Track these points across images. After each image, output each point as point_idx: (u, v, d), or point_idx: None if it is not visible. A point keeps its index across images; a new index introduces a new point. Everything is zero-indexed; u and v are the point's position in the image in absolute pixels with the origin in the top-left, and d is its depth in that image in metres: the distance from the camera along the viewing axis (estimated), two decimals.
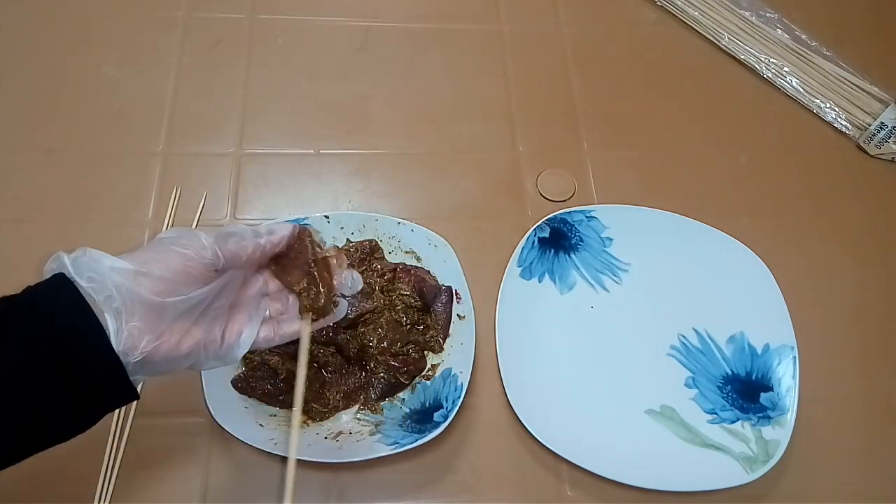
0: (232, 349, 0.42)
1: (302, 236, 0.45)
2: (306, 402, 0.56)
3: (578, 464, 0.54)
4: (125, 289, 0.36)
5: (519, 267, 0.63)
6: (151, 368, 0.38)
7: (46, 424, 0.36)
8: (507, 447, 0.57)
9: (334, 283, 0.46)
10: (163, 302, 0.37)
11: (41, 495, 0.52)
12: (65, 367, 0.35)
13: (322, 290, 0.45)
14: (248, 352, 0.43)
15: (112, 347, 0.35)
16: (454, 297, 0.61)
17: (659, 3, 0.83)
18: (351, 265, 0.58)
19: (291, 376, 0.57)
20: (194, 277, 0.39)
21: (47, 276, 0.37)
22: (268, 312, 0.45)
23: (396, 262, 0.63)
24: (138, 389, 0.39)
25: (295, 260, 0.45)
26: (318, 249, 0.46)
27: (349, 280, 0.47)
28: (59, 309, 0.35)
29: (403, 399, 0.58)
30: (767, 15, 0.82)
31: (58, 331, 0.35)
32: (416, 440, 0.52)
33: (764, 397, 0.59)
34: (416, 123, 0.73)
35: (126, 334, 0.36)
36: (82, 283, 0.35)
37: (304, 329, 0.46)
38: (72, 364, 0.35)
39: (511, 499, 0.56)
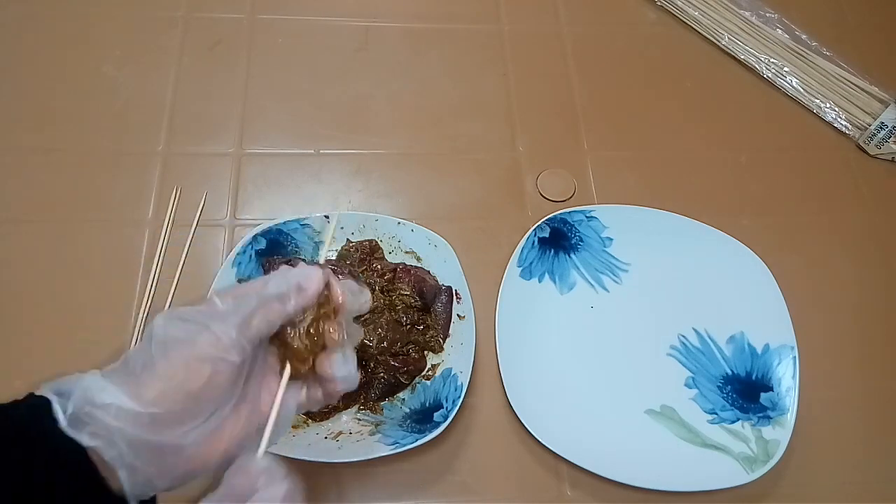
0: (277, 434, 0.35)
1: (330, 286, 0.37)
2: None
3: (578, 464, 0.54)
4: (137, 441, 0.30)
5: (519, 267, 0.63)
6: (170, 490, 0.33)
7: None
8: (507, 447, 0.57)
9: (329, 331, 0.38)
10: (182, 444, 0.31)
11: None
12: None
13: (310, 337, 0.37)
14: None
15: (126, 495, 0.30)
16: (454, 297, 0.61)
17: (659, 3, 0.83)
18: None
19: None
20: (220, 386, 0.32)
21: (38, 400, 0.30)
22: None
23: (396, 262, 0.63)
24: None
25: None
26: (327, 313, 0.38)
27: (337, 364, 0.38)
28: (57, 463, 0.29)
29: (403, 399, 0.58)
30: (767, 15, 0.82)
31: (57, 483, 0.29)
32: (416, 440, 0.52)
33: (764, 397, 0.59)
34: (416, 123, 0.73)
35: (143, 480, 0.31)
36: (85, 443, 0.29)
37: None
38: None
39: (511, 499, 0.56)
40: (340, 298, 0.38)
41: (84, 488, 0.29)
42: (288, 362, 0.37)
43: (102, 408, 0.29)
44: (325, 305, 0.37)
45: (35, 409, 0.30)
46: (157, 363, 0.31)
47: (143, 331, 0.59)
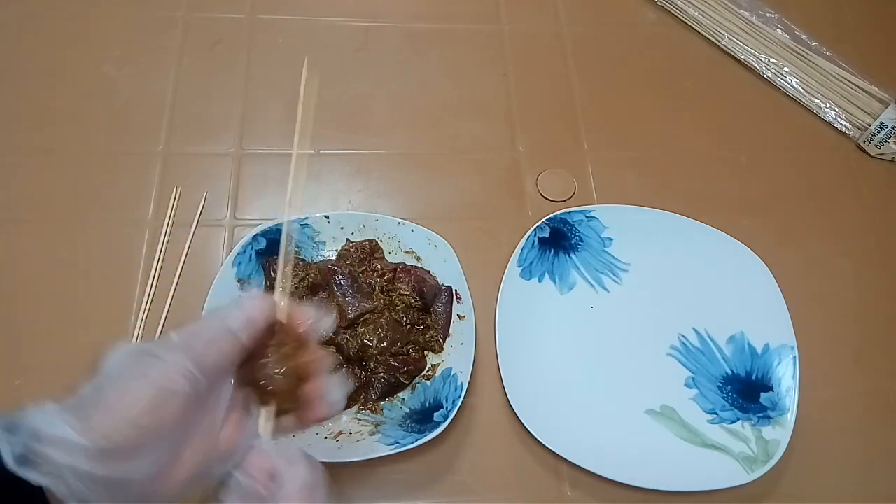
0: (209, 479, 0.35)
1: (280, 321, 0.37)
2: None
3: (578, 464, 0.54)
4: (87, 477, 0.29)
5: (519, 267, 0.63)
6: None
7: None
8: (507, 447, 0.57)
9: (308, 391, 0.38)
10: (132, 480, 0.30)
11: None
12: None
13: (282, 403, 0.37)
14: None
15: None
16: (454, 297, 0.61)
17: (659, 3, 0.83)
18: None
19: None
20: (173, 416, 0.31)
21: None
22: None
23: (396, 262, 0.63)
24: None
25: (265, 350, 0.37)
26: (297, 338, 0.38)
27: (331, 388, 0.38)
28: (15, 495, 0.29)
29: (403, 399, 0.58)
30: (767, 15, 0.82)
31: None
32: (416, 440, 0.52)
33: (764, 397, 0.59)
34: (416, 123, 0.73)
35: None
36: (34, 480, 0.28)
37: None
38: None
39: (511, 499, 0.56)
40: (302, 328, 0.38)
41: None
42: (271, 402, 0.37)
43: (51, 443, 0.29)
44: (287, 340, 0.37)
45: None
46: (107, 396, 0.31)
47: (142, 331, 0.59)
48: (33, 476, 0.28)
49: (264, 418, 0.37)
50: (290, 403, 0.38)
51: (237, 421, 0.36)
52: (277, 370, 0.37)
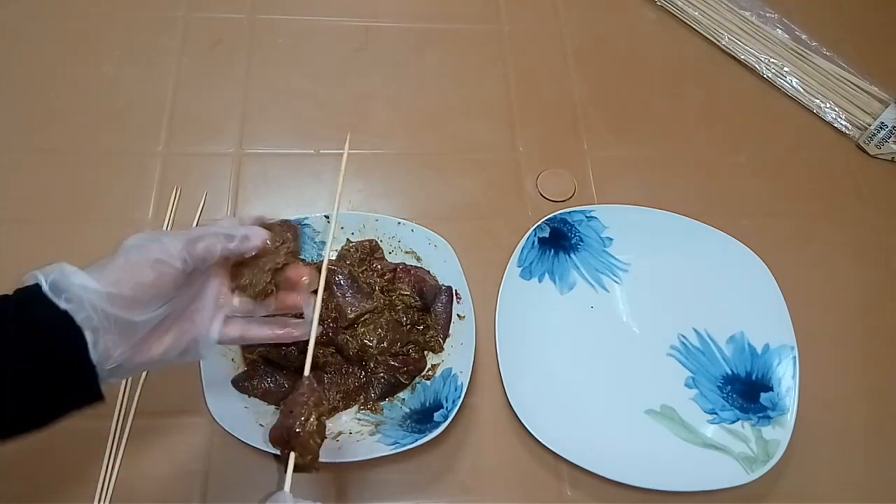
0: (198, 349, 0.44)
1: (275, 244, 0.45)
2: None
3: (578, 464, 0.54)
4: (100, 310, 0.38)
5: (519, 267, 0.63)
6: (124, 372, 0.41)
7: (18, 417, 0.38)
8: (507, 447, 0.57)
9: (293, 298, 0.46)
10: (134, 321, 0.39)
11: (41, 495, 0.52)
12: (45, 371, 0.37)
13: (262, 279, 0.45)
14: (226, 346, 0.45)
15: (90, 358, 0.38)
16: (454, 297, 0.61)
17: (659, 3, 0.83)
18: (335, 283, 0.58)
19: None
20: (165, 284, 0.40)
21: (27, 282, 0.39)
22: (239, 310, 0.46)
23: (396, 262, 0.63)
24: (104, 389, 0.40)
25: (257, 262, 0.45)
26: (288, 260, 0.46)
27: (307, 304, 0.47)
28: (44, 320, 0.37)
29: (403, 399, 0.58)
30: (767, 15, 0.82)
31: (43, 341, 0.37)
32: (416, 440, 0.52)
33: (764, 397, 0.59)
34: (416, 123, 0.73)
35: (102, 347, 0.38)
36: (62, 306, 0.37)
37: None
38: (51, 369, 0.37)
39: (511, 499, 0.56)
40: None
41: (59, 341, 0.37)
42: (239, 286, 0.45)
43: (74, 282, 0.38)
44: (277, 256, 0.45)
45: (27, 286, 0.39)
46: (117, 261, 0.40)
47: None
48: (61, 302, 0.37)
49: (289, 472, 0.42)
50: (256, 290, 0.45)
51: (221, 316, 0.45)
52: (257, 271, 0.45)
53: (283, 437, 0.43)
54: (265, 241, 0.45)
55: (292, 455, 0.42)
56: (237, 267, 0.46)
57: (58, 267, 0.39)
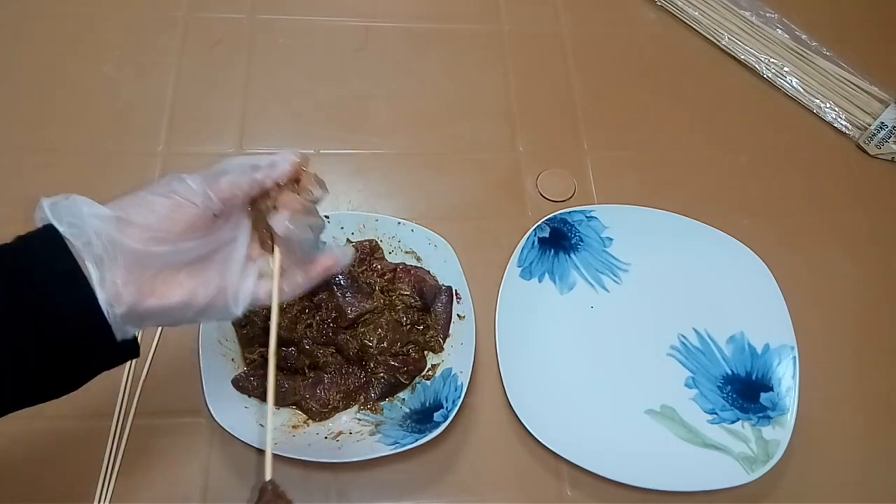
0: (229, 306, 0.39)
1: (302, 171, 0.41)
2: (305, 400, 0.56)
3: (578, 464, 0.54)
4: (105, 235, 0.34)
5: (519, 267, 0.63)
6: (140, 321, 0.36)
7: (30, 379, 0.34)
8: (507, 447, 0.57)
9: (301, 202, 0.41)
10: (146, 251, 0.35)
11: (41, 495, 0.52)
12: (43, 315, 0.33)
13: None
14: (249, 310, 0.40)
15: (94, 295, 0.33)
16: (454, 297, 0.61)
17: (659, 3, 0.83)
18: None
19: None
20: (186, 225, 0.36)
21: (38, 224, 0.36)
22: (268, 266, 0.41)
23: (396, 262, 0.63)
24: (137, 338, 0.37)
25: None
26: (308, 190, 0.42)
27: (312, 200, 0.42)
28: (39, 256, 0.34)
29: (403, 399, 0.58)
30: (767, 15, 0.82)
31: (36, 279, 0.33)
32: (416, 440, 0.52)
33: (764, 397, 0.59)
34: (416, 123, 0.73)
35: (109, 283, 0.34)
36: (61, 229, 0.34)
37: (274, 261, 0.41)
38: (50, 312, 0.33)
39: (511, 499, 0.56)
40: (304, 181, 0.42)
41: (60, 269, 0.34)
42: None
43: (79, 205, 0.35)
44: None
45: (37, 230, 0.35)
46: (137, 191, 0.37)
47: (142, 331, 0.58)
48: (63, 227, 0.34)
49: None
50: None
51: (251, 276, 0.40)
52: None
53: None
54: (295, 163, 0.40)
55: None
56: (256, 212, 0.41)
57: (68, 196, 0.36)
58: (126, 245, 0.34)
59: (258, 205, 0.41)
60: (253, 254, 0.41)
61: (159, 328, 0.59)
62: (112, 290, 0.34)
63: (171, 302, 0.36)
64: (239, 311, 0.39)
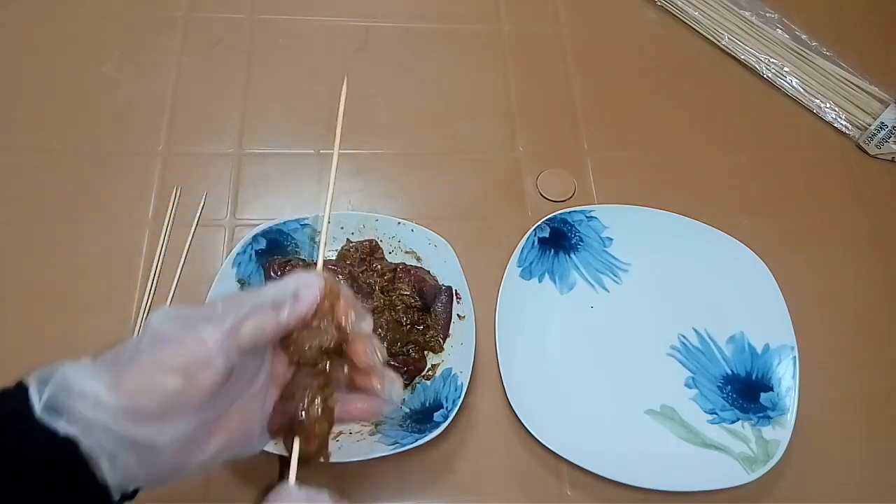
0: (247, 450, 0.36)
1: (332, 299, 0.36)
2: None
3: (578, 464, 0.54)
4: (114, 433, 0.29)
5: (519, 267, 0.63)
6: (155, 486, 0.32)
7: None
8: (507, 447, 0.57)
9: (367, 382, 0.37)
10: (162, 443, 0.30)
11: None
12: None
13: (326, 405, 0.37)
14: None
15: (104, 488, 0.30)
16: (454, 297, 0.61)
17: (659, 3, 0.83)
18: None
19: None
20: (201, 389, 0.31)
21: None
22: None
23: (396, 262, 0.63)
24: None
25: (310, 333, 0.36)
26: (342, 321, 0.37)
27: (388, 385, 0.37)
28: (39, 450, 0.29)
29: (403, 399, 0.58)
30: (767, 15, 0.82)
31: (42, 477, 0.29)
32: (417, 440, 0.52)
33: (764, 397, 0.59)
34: (416, 123, 0.73)
35: (122, 471, 0.30)
36: (62, 430, 0.29)
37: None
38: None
39: (511, 499, 0.56)
40: (345, 321, 0.36)
41: (60, 476, 0.29)
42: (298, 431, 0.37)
43: (80, 396, 0.29)
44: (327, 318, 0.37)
45: (13, 395, 0.29)
46: (142, 357, 0.31)
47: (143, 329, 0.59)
48: (60, 424, 0.28)
49: (293, 464, 0.37)
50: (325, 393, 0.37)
51: (273, 399, 0.37)
52: (311, 344, 0.36)
53: (285, 424, 0.37)
54: (321, 295, 0.35)
55: (296, 442, 0.36)
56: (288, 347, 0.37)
57: (61, 369, 0.30)
58: (137, 441, 0.30)
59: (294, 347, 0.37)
60: (270, 392, 0.37)
61: None
62: (127, 475, 0.30)
63: (188, 469, 0.33)
64: (257, 450, 0.36)
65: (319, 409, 0.37)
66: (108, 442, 0.29)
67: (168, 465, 0.31)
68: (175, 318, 0.32)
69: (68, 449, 0.29)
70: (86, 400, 0.29)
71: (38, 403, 0.29)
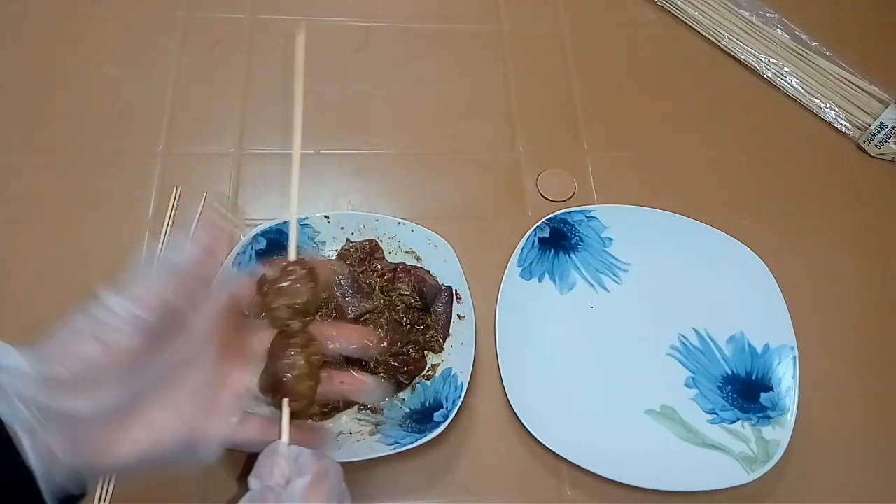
0: (195, 452, 0.33)
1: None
2: None
3: (578, 464, 0.54)
4: (33, 402, 0.29)
5: (519, 267, 0.63)
6: (83, 481, 0.31)
7: None
8: (507, 447, 0.57)
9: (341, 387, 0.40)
10: (82, 411, 0.30)
11: None
12: None
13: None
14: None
15: (26, 466, 0.29)
16: (454, 297, 0.61)
17: (659, 3, 0.83)
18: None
19: None
20: (125, 360, 0.31)
21: None
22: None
23: (396, 262, 0.63)
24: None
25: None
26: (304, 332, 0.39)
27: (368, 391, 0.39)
28: None
29: (403, 399, 0.58)
30: (767, 15, 0.82)
31: None
32: (417, 440, 0.52)
33: (764, 397, 0.59)
34: (416, 123, 0.73)
35: (44, 449, 0.29)
36: None
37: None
38: None
39: (511, 499, 0.56)
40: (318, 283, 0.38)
41: None
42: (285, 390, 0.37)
43: (2, 369, 0.29)
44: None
45: None
46: (59, 331, 0.32)
47: None
48: None
49: (285, 421, 0.37)
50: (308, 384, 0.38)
51: (221, 407, 0.35)
52: (280, 304, 0.37)
53: (272, 383, 0.37)
54: (218, 241, 0.37)
55: (286, 401, 0.37)
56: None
57: None
58: (58, 410, 0.29)
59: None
60: (238, 388, 0.36)
61: None
62: (48, 456, 0.29)
63: (123, 459, 0.31)
64: (208, 457, 0.34)
65: (305, 368, 0.37)
66: (29, 413, 0.29)
67: (93, 446, 0.31)
68: (88, 297, 0.33)
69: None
70: (5, 372, 0.29)
71: None
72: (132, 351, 0.31)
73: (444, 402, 0.55)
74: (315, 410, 0.39)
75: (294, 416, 0.37)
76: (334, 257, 0.62)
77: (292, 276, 0.38)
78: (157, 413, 0.32)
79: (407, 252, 0.63)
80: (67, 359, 0.30)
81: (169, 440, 0.32)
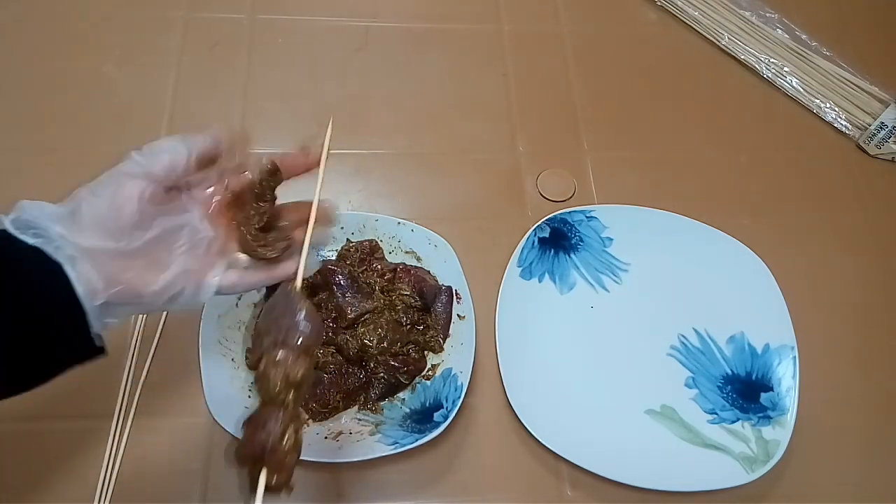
0: (196, 294, 0.41)
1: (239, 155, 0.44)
2: (305, 401, 0.56)
3: (578, 464, 0.54)
4: (69, 238, 0.36)
5: (519, 267, 0.63)
6: (114, 310, 0.38)
7: (5, 371, 0.36)
8: (507, 447, 0.57)
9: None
10: (107, 248, 0.37)
11: (42, 495, 0.52)
12: (26, 312, 0.35)
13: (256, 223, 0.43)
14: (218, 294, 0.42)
15: (73, 290, 0.35)
16: (454, 297, 0.61)
17: (659, 3, 0.83)
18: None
19: None
20: (138, 201, 0.38)
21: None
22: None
23: (396, 262, 0.63)
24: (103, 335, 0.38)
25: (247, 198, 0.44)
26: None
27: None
28: (14, 256, 0.35)
29: (403, 399, 0.58)
30: (767, 15, 0.82)
31: (21, 278, 0.35)
32: (417, 440, 0.52)
33: (764, 397, 0.59)
34: (416, 123, 0.73)
35: (84, 278, 0.36)
36: (29, 241, 0.35)
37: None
38: (32, 308, 0.35)
39: (511, 499, 0.56)
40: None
41: (35, 282, 0.35)
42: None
43: (36, 213, 0.37)
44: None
45: None
46: (88, 185, 0.39)
47: (142, 331, 0.59)
48: (28, 238, 0.35)
49: (260, 493, 0.38)
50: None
51: (213, 262, 0.42)
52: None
53: (254, 455, 0.38)
54: (219, 141, 0.42)
55: (263, 474, 0.37)
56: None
57: (18, 204, 0.37)
58: (89, 245, 0.36)
59: (244, 205, 0.44)
60: (226, 249, 0.43)
61: (160, 326, 0.59)
62: (89, 285, 0.36)
63: (142, 293, 0.38)
64: (202, 298, 0.41)
65: (291, 442, 0.38)
66: (68, 246, 0.35)
67: (120, 282, 0.37)
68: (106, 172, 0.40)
69: (37, 255, 0.35)
70: (42, 213, 0.37)
71: (8, 222, 0.36)
72: (145, 197, 0.38)
73: (444, 402, 0.55)
74: (292, 486, 0.39)
75: (270, 490, 0.38)
76: (334, 257, 0.62)
77: (286, 356, 0.40)
78: (165, 259, 0.39)
79: (407, 252, 0.63)
80: (91, 199, 0.38)
81: (177, 283, 0.39)
